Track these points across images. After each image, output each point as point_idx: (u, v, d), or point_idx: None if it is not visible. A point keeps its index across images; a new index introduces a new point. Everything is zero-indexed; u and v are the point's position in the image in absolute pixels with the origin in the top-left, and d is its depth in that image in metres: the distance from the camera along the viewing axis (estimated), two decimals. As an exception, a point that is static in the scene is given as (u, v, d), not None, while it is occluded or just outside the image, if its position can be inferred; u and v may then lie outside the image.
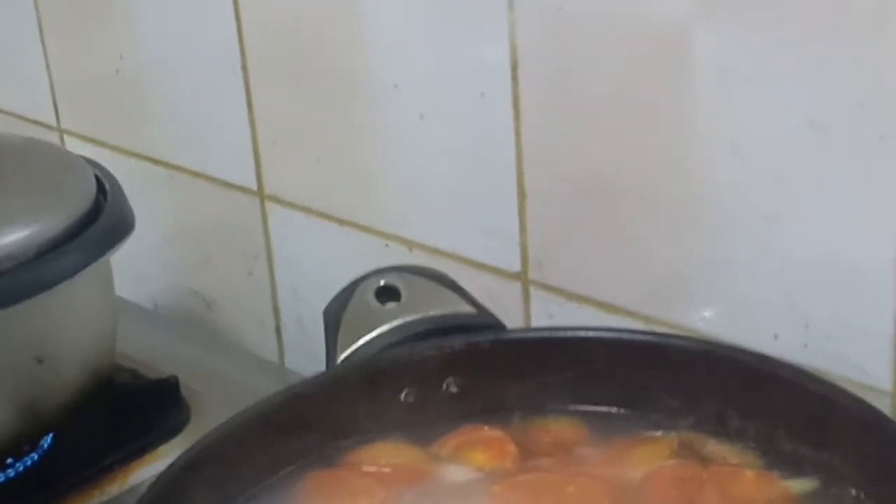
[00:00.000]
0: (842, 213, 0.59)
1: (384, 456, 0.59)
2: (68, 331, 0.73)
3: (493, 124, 0.71)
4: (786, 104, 0.59)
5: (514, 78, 0.70)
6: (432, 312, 0.64)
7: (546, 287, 0.73)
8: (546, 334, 0.62)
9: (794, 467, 0.56)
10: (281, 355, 0.93)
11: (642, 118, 0.65)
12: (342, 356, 0.63)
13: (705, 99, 0.62)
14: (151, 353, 0.87)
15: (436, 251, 0.78)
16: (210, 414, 0.79)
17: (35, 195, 0.73)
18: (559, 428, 0.61)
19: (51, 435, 0.77)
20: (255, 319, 0.94)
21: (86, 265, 0.71)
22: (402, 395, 0.61)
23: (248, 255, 0.92)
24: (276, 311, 0.92)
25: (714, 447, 0.58)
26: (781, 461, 0.56)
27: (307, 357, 0.90)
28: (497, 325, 0.64)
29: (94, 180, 0.76)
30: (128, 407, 0.80)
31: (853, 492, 0.53)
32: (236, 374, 0.86)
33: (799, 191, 0.60)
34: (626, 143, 0.66)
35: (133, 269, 0.96)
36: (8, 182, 0.74)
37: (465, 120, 0.73)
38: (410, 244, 0.79)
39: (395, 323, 0.64)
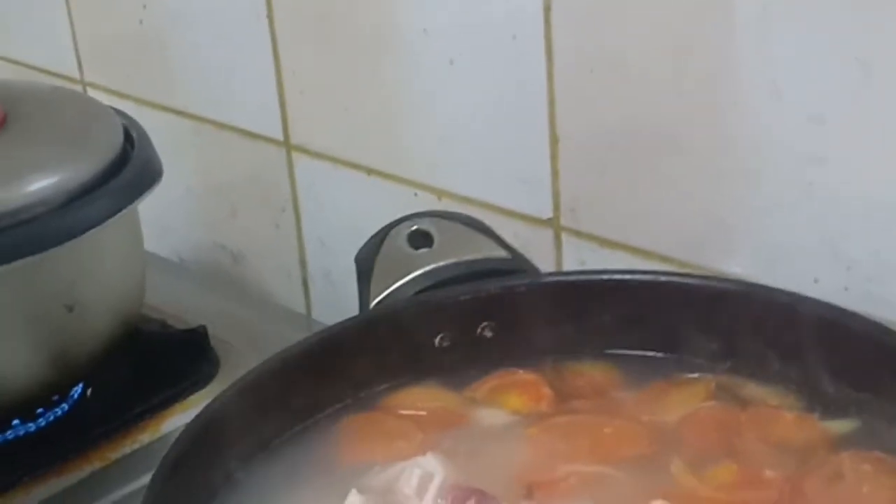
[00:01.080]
0: (886, 153, 0.58)
1: (420, 400, 0.59)
2: (97, 279, 0.73)
3: (525, 68, 0.70)
4: (829, 42, 0.57)
5: (547, 21, 0.69)
6: (466, 257, 0.64)
7: (578, 233, 0.72)
8: (583, 278, 0.62)
9: (836, 409, 0.55)
10: (308, 308, 0.93)
11: (678, 60, 0.64)
12: (375, 302, 0.63)
13: (745, 39, 0.61)
14: (179, 306, 0.87)
15: (466, 199, 0.77)
16: (239, 364, 0.78)
17: (63, 143, 0.73)
18: (594, 372, 0.60)
19: (81, 384, 0.77)
20: (282, 272, 0.94)
21: (114, 212, 0.71)
22: (437, 340, 0.61)
23: (275, 208, 0.91)
24: (303, 263, 0.92)
25: (753, 389, 0.57)
26: (822, 403, 0.55)
27: (335, 310, 0.89)
28: (532, 270, 0.64)
29: (121, 129, 0.76)
30: (157, 357, 0.80)
31: (896, 433, 0.53)
32: (264, 326, 0.85)
33: (842, 131, 0.59)
34: (662, 86, 0.65)
35: (159, 224, 0.96)
36: (36, 130, 0.73)
37: (496, 64, 0.72)
38: (440, 192, 0.79)
39: (428, 268, 0.63)
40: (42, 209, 0.68)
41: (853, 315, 0.55)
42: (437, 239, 0.65)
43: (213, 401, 0.54)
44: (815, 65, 0.58)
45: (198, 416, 0.53)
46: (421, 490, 0.51)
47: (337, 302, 0.91)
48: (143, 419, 0.75)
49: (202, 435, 0.52)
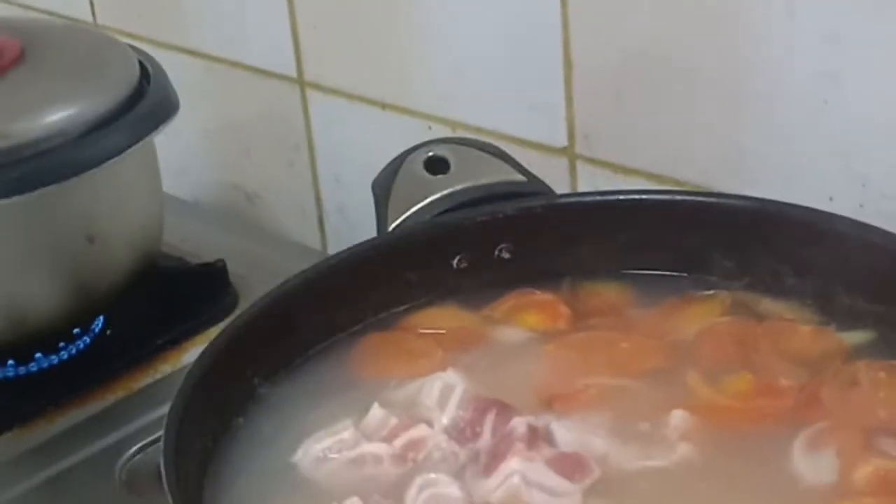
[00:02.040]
0: (900, 69, 0.58)
1: (439, 319, 0.60)
2: (117, 211, 0.74)
3: (540, -6, 0.70)
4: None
5: (561, -54, 0.69)
6: (482, 181, 0.64)
7: (593, 161, 0.73)
8: (598, 198, 0.62)
9: (852, 321, 0.55)
10: (324, 245, 0.94)
11: (693, -19, 0.64)
12: (392, 226, 0.64)
13: (758, -43, 0.61)
14: (197, 244, 0.88)
15: (480, 130, 0.77)
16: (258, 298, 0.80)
17: (81, 76, 0.73)
18: (610, 291, 0.61)
19: (102, 318, 0.78)
20: (296, 210, 0.94)
21: (132, 143, 0.71)
22: (455, 262, 0.61)
23: (289, 145, 0.92)
24: (318, 200, 0.93)
25: (769, 304, 0.58)
26: (838, 316, 0.56)
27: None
28: (548, 192, 0.64)
29: (137, 63, 0.76)
30: (177, 290, 0.81)
31: (913, 343, 0.53)
32: (281, 262, 0.85)
33: (856, 48, 0.59)
34: (676, 9, 0.65)
35: (173, 164, 0.96)
36: (54, 64, 0.73)
37: (509, -9, 0.72)
38: (454, 124, 0.79)
39: (445, 192, 0.64)
40: (61, 140, 0.69)
41: (867, 227, 0.55)
42: (453, 165, 0.65)
43: (236, 318, 0.55)
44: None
45: (221, 333, 0.54)
46: (442, 401, 0.52)
47: (352, 238, 0.90)
48: (165, 350, 0.76)
49: (226, 351, 0.53)
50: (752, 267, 0.59)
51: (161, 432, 0.49)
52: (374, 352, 0.58)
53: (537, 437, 0.50)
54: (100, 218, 0.73)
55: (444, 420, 0.52)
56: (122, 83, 0.74)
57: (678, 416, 0.51)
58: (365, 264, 0.60)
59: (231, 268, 0.83)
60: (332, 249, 0.93)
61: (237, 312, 0.80)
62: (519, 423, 0.50)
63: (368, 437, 0.51)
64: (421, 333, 0.59)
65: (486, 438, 0.51)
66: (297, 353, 0.58)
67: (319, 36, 0.86)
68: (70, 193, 0.70)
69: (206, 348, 0.53)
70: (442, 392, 0.53)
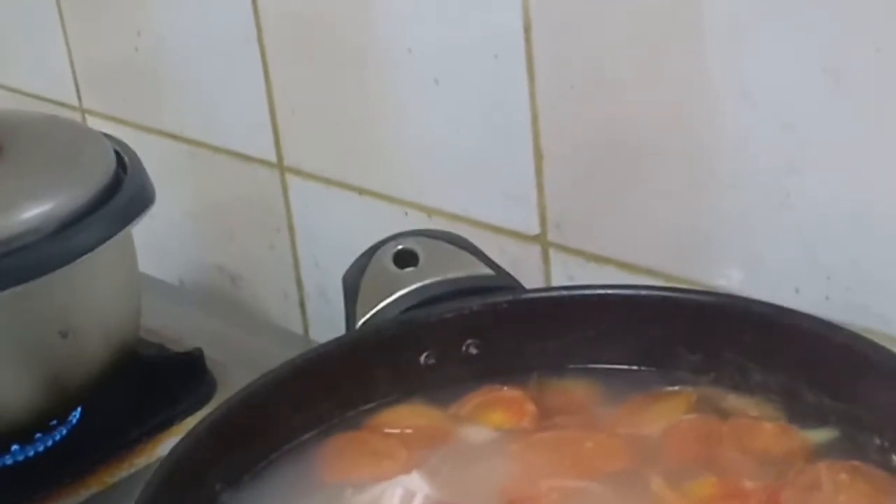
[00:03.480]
0: (858, 162, 0.58)
1: (405, 418, 0.60)
2: (92, 304, 0.74)
3: (508, 86, 0.70)
4: (798, 50, 0.58)
5: (528, 39, 0.69)
6: (451, 275, 0.64)
7: (565, 249, 0.73)
8: (563, 293, 0.62)
9: (817, 419, 0.55)
10: (305, 327, 0.94)
11: (653, 72, 0.64)
12: (361, 321, 0.64)
13: (716, 48, 0.61)
14: (177, 328, 0.88)
15: (454, 217, 0.78)
16: (236, 386, 0.76)
17: (55, 170, 0.74)
18: (577, 388, 0.61)
19: (79, 409, 0.78)
20: (278, 292, 0.94)
21: (107, 238, 0.72)
22: (422, 358, 0.61)
23: (270, 229, 0.92)
24: (299, 283, 0.93)
25: (733, 401, 0.58)
26: (803, 413, 0.56)
27: (332, 328, 0.89)
28: (516, 287, 0.64)
29: (113, 154, 0.77)
30: (154, 380, 0.81)
31: (877, 440, 0.53)
32: (261, 347, 0.86)
33: (813, 140, 0.59)
34: (639, 98, 0.66)
35: (157, 246, 0.97)
36: (29, 159, 0.74)
37: (479, 83, 0.72)
38: (429, 211, 0.79)
39: (413, 286, 0.64)
40: (35, 237, 0.69)
41: (830, 325, 0.55)
42: (422, 258, 0.65)
43: (197, 424, 0.55)
44: (785, 73, 0.59)
45: (182, 440, 0.54)
46: (403, 508, 0.52)
47: (334, 321, 0.91)
48: (140, 443, 0.76)
49: (186, 458, 0.53)
50: (717, 362, 0.59)
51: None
52: (340, 453, 0.58)
53: (497, 546, 0.49)
54: (74, 313, 0.73)
55: (405, 528, 0.51)
56: (97, 175, 0.74)
57: (642, 524, 0.51)
58: (331, 362, 0.60)
59: (210, 354, 0.83)
60: (314, 332, 0.93)
61: (214, 401, 0.82)
62: (478, 533, 0.50)
63: (328, 546, 0.51)
64: (386, 433, 0.59)
65: (446, 547, 0.50)
66: (260, 457, 0.57)
67: (297, 121, 0.86)
68: (44, 289, 0.70)
69: (167, 456, 0.52)
70: (403, 499, 0.52)
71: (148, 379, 0.81)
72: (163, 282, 0.99)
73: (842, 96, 0.57)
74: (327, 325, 0.94)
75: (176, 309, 0.92)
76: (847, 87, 0.57)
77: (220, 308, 0.95)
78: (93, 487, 0.73)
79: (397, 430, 0.59)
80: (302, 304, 0.93)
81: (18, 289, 0.68)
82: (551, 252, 0.74)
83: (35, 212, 0.70)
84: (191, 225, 0.99)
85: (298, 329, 0.93)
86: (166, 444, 0.76)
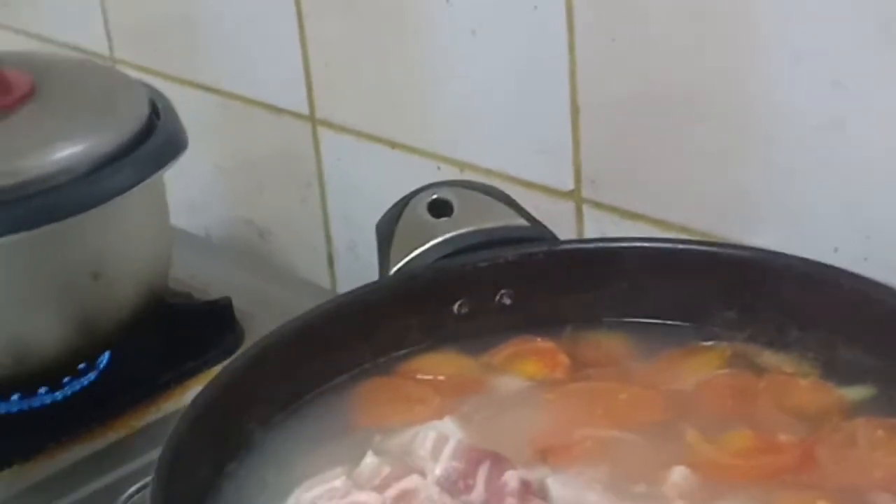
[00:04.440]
0: (906, 119, 0.57)
1: (438, 365, 0.59)
2: (123, 247, 0.74)
3: (547, 38, 0.70)
4: (850, 4, 0.57)
5: (569, -10, 0.69)
6: (485, 225, 0.64)
7: (599, 205, 0.72)
8: (600, 245, 0.62)
9: (854, 376, 0.55)
10: (333, 283, 0.94)
11: (699, 26, 0.64)
12: (394, 269, 0.63)
13: (766, 5, 0.60)
14: (205, 280, 0.88)
15: (488, 171, 0.77)
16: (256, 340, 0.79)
17: (90, 112, 0.73)
18: (610, 341, 0.60)
19: (108, 354, 0.78)
20: (307, 247, 0.94)
21: (140, 181, 0.72)
22: (456, 307, 0.61)
23: (301, 183, 0.92)
24: (328, 238, 0.93)
25: (769, 357, 0.57)
26: (840, 371, 0.55)
27: (360, 284, 0.90)
28: (551, 238, 0.64)
29: (147, 100, 0.76)
30: (183, 327, 0.81)
31: (914, 400, 0.52)
32: (289, 299, 0.85)
33: (862, 96, 0.58)
34: (683, 54, 0.65)
35: (186, 200, 0.97)
36: (64, 100, 0.74)
37: (517, 35, 0.72)
38: (462, 165, 0.79)
39: (447, 236, 0.63)
40: (68, 177, 0.69)
41: (870, 282, 0.54)
42: (456, 208, 0.65)
43: (231, 362, 0.55)
44: (835, 28, 0.58)
45: (217, 377, 0.54)
46: (436, 452, 0.52)
47: (362, 276, 0.90)
48: (168, 388, 0.76)
49: (221, 395, 0.53)
50: (753, 319, 0.58)
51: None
52: (372, 398, 0.58)
53: (530, 491, 0.49)
54: (106, 255, 0.73)
55: (437, 471, 0.51)
56: (131, 120, 0.74)
57: (679, 473, 0.50)
58: (365, 308, 0.60)
59: (238, 305, 0.83)
60: (342, 288, 0.93)
61: (242, 350, 0.82)
62: (511, 477, 0.49)
63: (360, 487, 0.51)
64: (419, 380, 0.59)
65: (478, 491, 0.50)
66: (293, 398, 0.57)
67: (331, 74, 0.86)
68: (76, 230, 0.70)
69: (201, 392, 0.53)
70: (436, 442, 0.52)
71: (176, 327, 0.81)
72: (191, 234, 0.98)
73: (891, 50, 0.56)
74: (356, 280, 0.93)
75: (204, 261, 0.92)
76: (896, 41, 0.56)
77: (248, 261, 0.95)
78: (121, 430, 0.73)
79: (430, 377, 0.59)
80: (330, 259, 0.93)
81: (51, 228, 0.68)
82: (585, 208, 0.73)
83: (68, 152, 0.70)
84: (220, 178, 0.98)
85: (326, 285, 0.93)
86: (195, 391, 0.74)
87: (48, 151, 0.70)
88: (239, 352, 0.76)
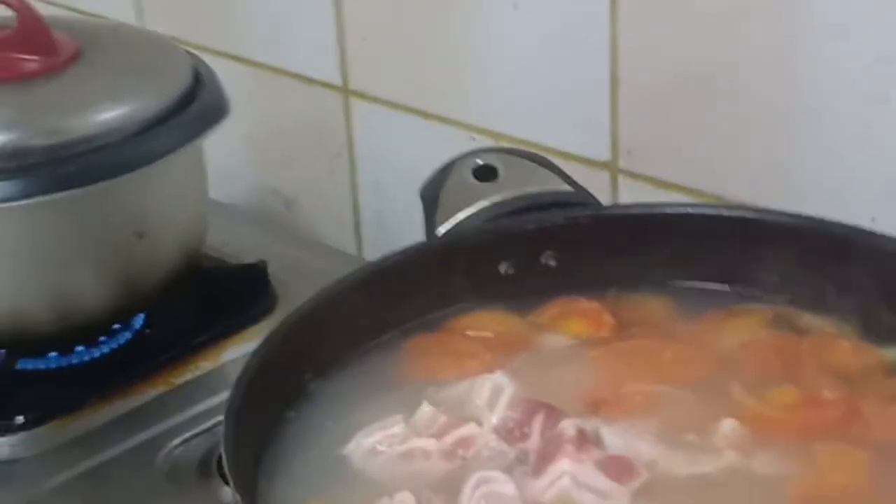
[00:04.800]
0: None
1: (486, 323, 0.61)
2: (165, 209, 0.75)
3: (589, 10, 0.71)
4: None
5: (612, -36, 0.70)
6: (530, 190, 0.65)
7: (634, 175, 0.74)
8: (645, 210, 0.63)
9: (894, 338, 0.56)
10: (359, 253, 0.95)
11: (745, 0, 0.65)
12: (441, 230, 0.65)
13: (811, -22, 0.62)
14: (237, 246, 0.89)
15: (522, 142, 0.78)
16: (298, 299, 0.79)
17: (135, 76, 0.75)
18: (653, 303, 0.62)
19: (143, 315, 0.79)
20: (333, 218, 0.95)
21: (184, 144, 0.73)
22: (502, 267, 0.63)
23: (331, 153, 0.93)
24: (355, 208, 0.94)
25: (810, 319, 0.59)
26: (880, 332, 0.57)
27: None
28: (594, 203, 0.65)
29: (190, 66, 0.78)
30: (218, 291, 0.82)
31: (954, 359, 0.54)
32: (321, 266, 0.87)
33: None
34: (725, 27, 0.67)
35: (215, 168, 0.98)
36: (110, 63, 0.75)
37: (559, 7, 0.73)
38: (496, 136, 0.80)
39: (493, 199, 0.65)
40: (115, 137, 0.71)
41: (909, 246, 0.56)
42: (501, 173, 0.66)
43: (292, 313, 0.56)
44: (882, 4, 0.60)
45: (279, 326, 0.55)
46: (492, 402, 0.53)
47: (389, 248, 0.92)
48: (204, 348, 0.77)
49: (282, 344, 0.54)
50: (794, 282, 0.60)
51: (206, 424, 0.50)
52: (423, 352, 0.59)
53: (586, 439, 0.51)
54: (149, 215, 0.74)
55: (494, 420, 0.53)
56: (175, 85, 0.75)
57: (728, 425, 0.52)
58: (415, 267, 0.61)
59: (270, 270, 0.84)
60: (368, 258, 0.94)
61: (276, 313, 0.83)
62: (568, 426, 0.51)
63: (418, 433, 0.53)
64: (468, 336, 0.60)
65: (535, 439, 0.52)
66: (347, 351, 0.59)
67: (366, 45, 0.87)
68: (122, 190, 0.71)
69: (263, 341, 0.54)
70: (492, 392, 0.54)
71: (211, 290, 0.82)
72: (220, 203, 0.99)
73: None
74: (382, 251, 0.94)
75: (234, 229, 0.93)
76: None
77: (277, 230, 0.96)
78: (160, 387, 0.74)
79: (478, 334, 0.60)
80: (357, 229, 0.94)
81: (96, 188, 0.70)
82: (620, 178, 0.75)
83: (114, 114, 0.71)
84: (249, 148, 0.99)
85: (353, 254, 0.94)
86: (231, 351, 0.77)
87: (94, 112, 0.71)
88: (270, 320, 0.79)
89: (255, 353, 0.53)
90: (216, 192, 1.00)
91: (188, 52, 0.80)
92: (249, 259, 0.85)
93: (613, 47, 0.71)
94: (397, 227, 0.89)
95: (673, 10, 0.68)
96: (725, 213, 0.61)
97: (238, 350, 0.78)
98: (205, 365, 0.77)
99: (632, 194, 0.74)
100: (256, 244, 0.91)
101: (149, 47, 0.79)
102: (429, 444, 0.51)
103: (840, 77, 0.62)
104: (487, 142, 0.81)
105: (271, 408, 0.54)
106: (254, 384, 0.51)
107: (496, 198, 0.65)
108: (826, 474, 0.49)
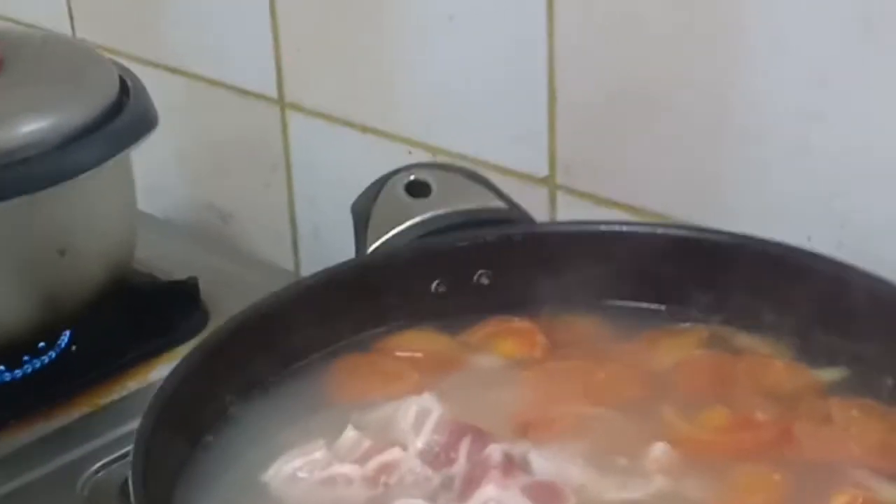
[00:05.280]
0: (886, 111, 0.58)
1: (416, 343, 0.59)
2: (90, 224, 0.73)
3: (526, 24, 0.70)
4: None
5: (549, -24, 0.69)
6: (463, 206, 0.64)
7: (573, 192, 0.73)
8: (579, 228, 0.62)
9: (827, 358, 0.56)
10: (297, 268, 0.93)
11: (682, 16, 0.64)
12: (371, 248, 0.63)
13: (748, -6, 0.61)
14: (168, 262, 0.87)
15: (460, 157, 0.77)
16: (229, 315, 0.79)
17: (60, 87, 0.72)
18: (587, 323, 0.61)
19: (68, 333, 0.77)
20: (270, 232, 0.93)
21: (109, 157, 0.71)
22: (434, 286, 0.61)
23: (267, 166, 0.91)
24: (293, 222, 0.92)
25: (744, 339, 0.58)
26: (814, 353, 0.56)
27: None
28: (529, 220, 0.64)
29: (117, 77, 0.76)
30: (147, 307, 0.80)
31: (889, 381, 0.53)
32: (255, 281, 0.85)
33: (842, 90, 0.59)
34: (663, 42, 0.66)
35: (148, 182, 0.95)
36: (34, 74, 0.73)
37: (496, 20, 0.72)
38: (434, 150, 0.79)
39: (425, 216, 0.64)
40: (37, 150, 0.68)
41: (844, 266, 0.55)
42: (434, 189, 0.65)
43: (212, 334, 0.54)
44: (817, 20, 0.59)
45: (196, 348, 0.53)
46: (418, 425, 0.52)
47: (327, 262, 0.90)
48: (132, 366, 0.75)
49: (200, 366, 0.53)
50: (729, 302, 0.59)
51: (129, 447, 0.48)
52: (350, 373, 0.58)
53: (513, 464, 0.49)
54: (72, 231, 0.72)
55: (419, 444, 0.51)
56: (101, 96, 0.73)
57: (659, 449, 0.51)
58: (343, 284, 0.60)
59: (202, 286, 0.82)
60: (305, 272, 0.93)
61: (207, 331, 0.81)
62: (495, 450, 0.49)
63: (341, 459, 0.51)
64: (397, 356, 0.59)
65: (461, 464, 0.50)
66: (271, 373, 0.57)
67: (302, 57, 0.85)
68: (44, 204, 0.69)
69: (180, 363, 0.52)
70: (418, 415, 0.52)
71: (140, 307, 0.80)
72: (153, 217, 0.97)
73: (873, 45, 0.57)
74: (320, 265, 0.93)
75: (167, 244, 0.91)
76: (879, 35, 0.57)
77: (212, 245, 0.94)
78: (84, 408, 0.72)
79: (407, 354, 0.59)
80: (295, 244, 0.92)
81: (19, 201, 0.67)
82: (559, 195, 0.73)
83: (38, 125, 0.69)
84: (183, 161, 0.97)
85: (290, 268, 0.93)
86: (160, 370, 0.75)
87: (15, 124, 0.69)
88: (200, 338, 0.76)
89: (169, 377, 0.51)
90: (150, 206, 0.98)
91: (116, 63, 0.78)
92: (182, 275, 0.83)
93: (551, 61, 0.70)
94: (335, 242, 0.87)
95: (610, 24, 0.67)
96: (660, 231, 0.60)
97: (167, 369, 0.74)
98: (132, 385, 0.74)
99: (570, 211, 0.73)
100: (191, 259, 0.89)
101: (74, 58, 0.76)
102: (351, 470, 0.50)
103: (776, 95, 0.62)
104: (424, 156, 0.80)
105: (187, 433, 0.52)
106: (166, 409, 0.50)
107: (428, 214, 0.64)
108: (744, 497, 0.49)
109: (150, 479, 0.47)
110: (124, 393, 0.74)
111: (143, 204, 0.95)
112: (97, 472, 0.68)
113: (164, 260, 0.87)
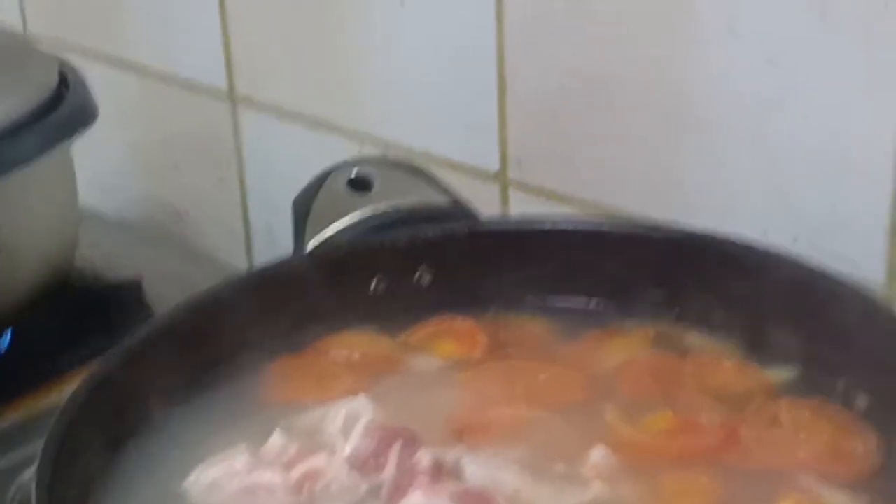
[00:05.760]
0: (841, 101, 0.56)
1: (353, 343, 0.57)
2: (28, 221, 0.71)
3: (475, 12, 0.68)
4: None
5: (498, -37, 0.67)
6: (405, 202, 0.62)
7: (525, 187, 0.70)
8: (524, 225, 0.60)
9: (778, 358, 0.53)
10: (250, 265, 0.91)
11: (633, 5, 0.62)
12: (311, 244, 0.61)
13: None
14: (118, 262, 0.84)
15: (411, 151, 0.75)
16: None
17: (-6, 79, 0.70)
18: (533, 323, 0.58)
19: (8, 333, 0.74)
20: (224, 229, 0.91)
21: (45, 151, 0.69)
22: (373, 284, 0.59)
23: (219, 162, 0.89)
24: (245, 219, 0.90)
25: (694, 339, 0.56)
26: (764, 352, 0.54)
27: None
28: (472, 216, 0.62)
29: (56, 70, 0.73)
30: (90, 310, 0.77)
31: (840, 382, 0.51)
32: (205, 281, 0.82)
33: (797, 76, 0.57)
34: (616, 31, 0.63)
35: (99, 179, 0.93)
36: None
37: (446, 8, 0.70)
38: (386, 144, 0.77)
39: (366, 212, 0.61)
40: (-33, 145, 0.66)
41: (796, 263, 0.53)
42: (377, 184, 0.63)
43: (131, 335, 0.52)
44: (770, 5, 0.57)
45: (111, 352, 0.51)
46: (347, 429, 0.49)
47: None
48: (73, 369, 0.73)
49: (119, 368, 0.50)
50: (680, 299, 0.57)
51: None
52: (284, 375, 0.55)
53: (443, 470, 0.47)
54: (8, 228, 0.69)
55: (347, 449, 0.49)
56: (38, 89, 0.71)
57: (598, 453, 0.48)
58: (277, 283, 0.57)
59: (152, 287, 0.80)
60: (260, 271, 0.90)
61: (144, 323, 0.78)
62: (424, 456, 0.47)
63: (266, 465, 0.48)
64: (333, 358, 0.56)
65: (389, 471, 0.48)
66: (199, 375, 0.54)
67: (253, 51, 0.83)
68: (-25, 201, 0.67)
69: (94, 367, 0.49)
70: (347, 420, 0.50)
71: (83, 308, 0.77)
72: (104, 215, 0.95)
73: (827, 31, 0.55)
74: (274, 263, 0.91)
75: (117, 242, 0.89)
76: (833, 21, 0.55)
77: (164, 243, 0.92)
78: (22, 412, 0.69)
79: (344, 355, 0.56)
80: (248, 242, 0.90)
81: (-51, 198, 0.65)
82: (511, 190, 0.71)
83: (-31, 120, 0.67)
84: (135, 157, 0.95)
85: (243, 266, 0.90)
86: (100, 372, 0.73)
87: (-52, 118, 0.67)
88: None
89: (85, 379, 0.49)
90: (102, 204, 0.96)
91: (57, 58, 0.76)
92: (132, 274, 0.81)
93: (500, 52, 0.68)
94: (286, 239, 0.85)
95: (561, 13, 0.65)
96: (606, 228, 0.58)
97: (109, 372, 0.74)
98: (71, 389, 0.72)
99: (522, 206, 0.71)
100: (140, 259, 0.86)
101: (12, 51, 0.74)
102: (274, 478, 0.47)
103: (731, 81, 0.59)
104: (376, 150, 0.78)
105: (105, 438, 0.49)
106: (79, 415, 0.47)
107: (368, 210, 0.61)
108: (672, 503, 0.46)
109: (59, 486, 0.44)
110: (63, 397, 0.72)
111: (97, 201, 0.94)
112: (30, 479, 0.66)
113: (114, 261, 0.85)
